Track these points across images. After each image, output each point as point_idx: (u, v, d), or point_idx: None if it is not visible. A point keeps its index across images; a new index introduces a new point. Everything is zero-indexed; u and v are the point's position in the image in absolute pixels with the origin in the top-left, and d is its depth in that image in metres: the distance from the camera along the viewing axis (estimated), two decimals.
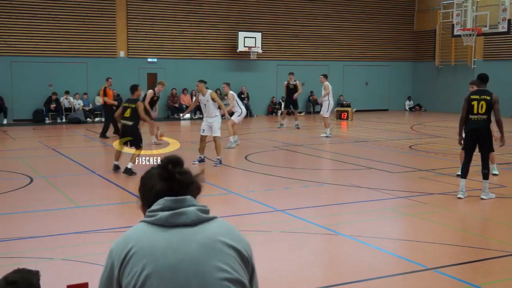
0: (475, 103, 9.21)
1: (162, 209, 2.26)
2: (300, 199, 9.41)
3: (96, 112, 24.58)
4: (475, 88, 9.85)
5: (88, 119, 24.16)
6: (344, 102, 29.05)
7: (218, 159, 12.64)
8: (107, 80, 18.93)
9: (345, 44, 29.88)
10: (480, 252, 6.59)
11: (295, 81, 21.09)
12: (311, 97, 29.08)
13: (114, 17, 24.98)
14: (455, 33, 25.36)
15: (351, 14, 29.84)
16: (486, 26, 24.17)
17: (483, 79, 9.48)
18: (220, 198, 9.68)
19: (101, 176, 11.48)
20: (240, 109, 15.99)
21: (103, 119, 24.19)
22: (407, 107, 31.32)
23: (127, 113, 11.57)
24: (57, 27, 23.88)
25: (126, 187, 10.36)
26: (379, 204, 9.14)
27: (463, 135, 9.46)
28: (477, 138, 9.21)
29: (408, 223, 8.30)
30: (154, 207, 2.28)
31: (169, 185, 2.32)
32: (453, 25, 25.55)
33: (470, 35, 24.55)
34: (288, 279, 5.83)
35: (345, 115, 25.69)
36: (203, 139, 12.80)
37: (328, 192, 10.22)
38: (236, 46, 26.73)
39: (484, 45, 27.58)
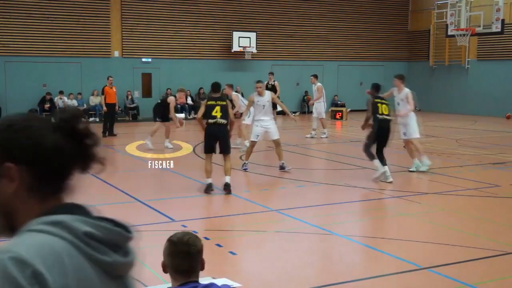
0: (379, 105, 10.70)
1: None
2: (294, 199, 9.41)
3: (90, 112, 24.52)
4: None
5: (82, 119, 24.04)
6: (339, 102, 29.09)
7: (283, 163, 11.74)
8: (107, 79, 18.70)
9: (340, 44, 29.92)
10: (475, 251, 6.61)
11: (274, 81, 20.71)
12: (305, 97, 29.09)
13: (109, 17, 24.93)
14: (449, 33, 25.42)
15: (345, 14, 29.88)
16: (480, 26, 24.24)
17: (377, 88, 11.07)
18: (215, 198, 9.68)
19: (95, 176, 11.39)
20: (248, 110, 14.55)
21: (97, 119, 24.25)
22: None
23: (217, 111, 9.82)
24: (51, 27, 23.81)
25: (120, 187, 10.34)
26: (373, 204, 9.16)
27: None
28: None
29: (403, 222, 8.31)
30: None
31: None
32: (447, 25, 25.62)
33: (464, 35, 24.62)
34: (283, 278, 5.83)
35: (340, 115, 25.72)
36: (254, 144, 11.94)
37: (323, 192, 10.23)
38: (230, 46, 26.72)
39: (478, 45, 27.66)
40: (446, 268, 6.01)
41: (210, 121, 9.68)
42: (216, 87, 10.27)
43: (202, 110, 9.93)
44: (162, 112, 15.33)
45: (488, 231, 7.64)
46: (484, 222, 8.22)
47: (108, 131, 18.15)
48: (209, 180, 9.70)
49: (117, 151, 15.51)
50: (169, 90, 25.84)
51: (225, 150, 9.80)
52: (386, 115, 10.78)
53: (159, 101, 16.20)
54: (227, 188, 9.58)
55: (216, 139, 9.75)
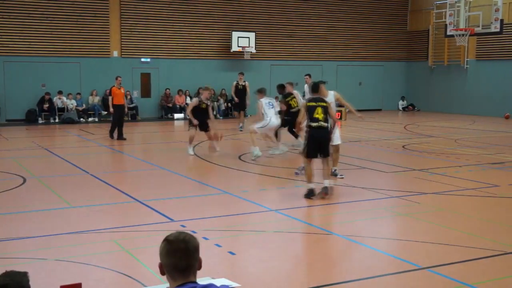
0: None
1: None
2: (293, 199, 9.41)
3: (89, 112, 24.52)
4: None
5: (81, 119, 24.08)
6: (337, 102, 29.04)
7: (335, 170, 11.19)
8: (116, 78, 17.83)
9: (339, 44, 29.92)
10: (474, 251, 6.61)
11: (244, 81, 20.54)
12: (305, 97, 29.08)
13: (108, 17, 24.92)
14: (448, 33, 25.42)
15: (344, 14, 29.89)
16: (478, 26, 24.23)
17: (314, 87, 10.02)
18: (214, 198, 9.68)
19: (94, 176, 11.45)
20: (267, 118, 13.79)
21: (96, 119, 24.23)
22: (400, 107, 31.39)
23: (319, 113, 9.28)
24: (51, 27, 23.80)
25: (119, 187, 10.34)
26: (372, 204, 9.16)
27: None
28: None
29: (402, 222, 8.31)
30: None
31: None
32: (446, 25, 25.61)
33: (463, 35, 24.61)
34: (282, 278, 5.83)
35: (339, 115, 25.68)
36: (338, 149, 11.29)
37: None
38: (230, 46, 26.72)
39: (477, 45, 27.68)
40: (445, 268, 6.01)
41: (313, 124, 9.20)
42: (316, 87, 9.77)
43: (302, 112, 9.46)
44: (201, 118, 14.21)
45: (487, 231, 7.64)
46: (483, 222, 8.22)
47: (118, 134, 17.46)
48: (312, 185, 9.27)
49: (117, 151, 15.50)
50: (168, 90, 25.88)
51: (326, 154, 9.38)
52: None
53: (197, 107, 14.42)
54: (325, 191, 9.18)
55: (320, 143, 9.28)
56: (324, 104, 9.36)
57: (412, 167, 12.56)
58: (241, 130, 19.88)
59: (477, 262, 6.27)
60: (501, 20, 23.48)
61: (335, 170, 11.13)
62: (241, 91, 20.67)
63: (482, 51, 27.66)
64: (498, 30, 23.63)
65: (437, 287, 5.59)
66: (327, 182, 9.27)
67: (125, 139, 17.40)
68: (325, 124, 9.23)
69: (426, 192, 9.95)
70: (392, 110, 31.24)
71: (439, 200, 9.56)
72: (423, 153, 14.69)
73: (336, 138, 10.94)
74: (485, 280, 5.72)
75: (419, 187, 10.38)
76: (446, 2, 25.58)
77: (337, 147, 11.10)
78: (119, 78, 17.78)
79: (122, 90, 17.78)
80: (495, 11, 23.49)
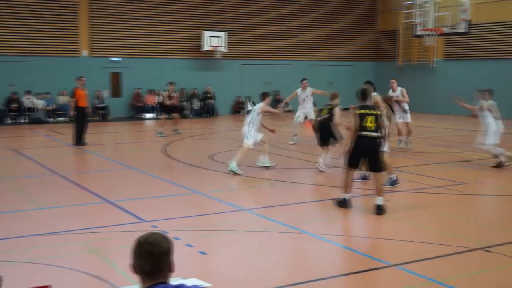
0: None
1: None
2: (265, 198, 9.44)
3: (58, 112, 24.18)
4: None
5: (50, 119, 23.75)
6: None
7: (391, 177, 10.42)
8: (79, 79, 16.52)
9: (310, 44, 30.08)
10: (443, 248, 6.71)
11: (173, 92, 19.19)
12: (275, 97, 29.16)
13: (77, 16, 24.59)
14: (417, 33, 25.75)
15: (315, 15, 30.05)
16: (446, 27, 24.61)
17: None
18: (185, 198, 9.64)
19: (63, 176, 11.30)
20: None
21: (66, 119, 23.89)
22: None
23: (370, 122, 8.52)
24: (18, 25, 23.38)
25: (88, 188, 10.22)
26: None
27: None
28: None
29: (373, 220, 8.39)
30: None
31: None
32: (414, 25, 25.94)
33: (431, 35, 24.96)
34: (254, 278, 5.84)
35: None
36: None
37: (294, 191, 10.27)
38: (201, 45, 26.65)
39: (445, 45, 28.11)
40: (415, 265, 6.09)
41: (362, 133, 8.51)
42: (364, 94, 8.86)
43: (354, 120, 8.57)
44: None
45: (455, 228, 7.77)
46: (451, 219, 8.35)
47: (77, 140, 16.05)
48: (347, 196, 8.72)
49: (86, 152, 15.33)
50: (139, 89, 25.69)
51: (376, 168, 8.60)
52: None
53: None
54: (379, 210, 8.41)
55: (366, 153, 8.56)
56: (379, 112, 8.69)
57: None
58: (179, 133, 18.84)
59: (446, 259, 6.36)
60: (469, 21, 23.89)
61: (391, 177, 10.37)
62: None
63: (450, 51, 28.09)
64: (465, 30, 24.02)
65: (407, 284, 5.67)
66: (379, 200, 8.46)
67: (85, 143, 16.03)
68: (373, 134, 8.51)
69: (396, 190, 10.07)
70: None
71: (408, 198, 9.69)
72: (391, 152, 14.83)
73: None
74: (454, 276, 5.81)
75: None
76: (415, 3, 25.90)
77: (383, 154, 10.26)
78: (83, 79, 16.49)
79: (86, 92, 16.45)
80: (463, 11, 23.88)
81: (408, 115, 15.31)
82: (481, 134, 12.66)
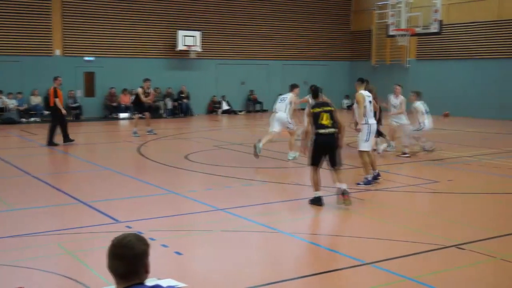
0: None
1: None
2: (240, 198, 9.45)
3: (31, 112, 23.86)
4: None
5: (22, 119, 23.43)
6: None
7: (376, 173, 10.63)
8: (55, 79, 16.42)
9: (284, 44, 30.18)
10: (416, 245, 6.81)
11: (149, 88, 19.00)
12: (251, 96, 29.24)
13: (50, 14, 24.30)
14: (390, 33, 26.02)
15: (290, 14, 30.16)
16: (419, 27, 24.92)
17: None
18: (160, 198, 9.61)
19: (36, 177, 11.17)
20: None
21: (38, 119, 23.58)
22: (344, 106, 31.88)
23: (326, 119, 8.82)
24: None
25: (62, 189, 10.12)
26: None
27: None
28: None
29: (346, 219, 8.47)
30: None
31: None
32: (388, 25, 26.22)
33: (404, 35, 25.25)
34: (229, 277, 5.86)
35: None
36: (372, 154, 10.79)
37: (269, 190, 10.31)
38: (175, 45, 26.54)
39: (418, 45, 28.45)
40: (389, 263, 6.17)
41: (320, 131, 8.77)
42: (316, 92, 9.38)
43: (309, 119, 8.97)
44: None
45: (428, 226, 7.88)
46: (424, 217, 8.47)
47: (64, 137, 16.13)
48: (318, 193, 8.83)
49: (60, 152, 15.16)
50: (113, 89, 25.49)
51: (335, 164, 8.80)
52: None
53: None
54: (345, 192, 8.64)
55: (326, 150, 8.80)
56: (331, 108, 8.96)
57: (355, 165, 12.79)
58: (155, 133, 18.71)
59: (418, 256, 6.46)
60: (440, 21, 24.22)
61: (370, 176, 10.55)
62: (148, 97, 18.92)
63: (422, 51, 28.44)
64: (437, 30, 24.34)
65: (379, 281, 5.74)
66: (344, 186, 8.70)
67: (73, 140, 16.31)
68: (332, 130, 8.76)
69: (369, 189, 10.17)
70: (337, 108, 31.64)
71: (382, 196, 9.80)
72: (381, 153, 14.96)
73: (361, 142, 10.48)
74: (426, 273, 5.90)
75: (357, 185, 10.57)
76: (388, 3, 26.18)
77: (361, 153, 10.51)
78: (59, 79, 16.55)
79: (61, 91, 16.52)
80: (434, 12, 24.19)
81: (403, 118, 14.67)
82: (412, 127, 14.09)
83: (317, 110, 8.91)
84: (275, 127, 13.40)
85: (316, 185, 8.85)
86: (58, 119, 16.10)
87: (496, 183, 11.14)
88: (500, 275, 5.97)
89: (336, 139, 8.80)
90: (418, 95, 14.11)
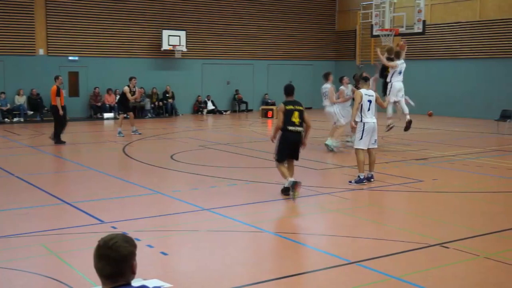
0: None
1: None
2: (226, 198, 9.45)
3: (14, 112, 23.65)
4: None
5: (6, 119, 23.21)
6: (269, 101, 29.40)
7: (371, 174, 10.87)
8: (56, 78, 16.53)
9: (270, 44, 30.22)
10: (400, 244, 6.85)
11: (135, 87, 18.86)
12: (236, 96, 29.22)
13: (33, 13, 24.10)
14: (374, 33, 26.09)
15: (275, 14, 30.20)
16: (403, 27, 25.04)
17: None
18: (145, 198, 9.57)
19: (19, 178, 11.07)
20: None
21: (21, 119, 23.38)
22: None
23: (296, 117, 9.31)
24: None
25: (46, 189, 10.04)
26: (303, 200, 9.31)
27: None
28: None
29: (331, 218, 8.50)
30: None
31: None
32: (372, 25, 26.32)
33: (388, 35, 25.32)
34: (215, 277, 5.85)
35: (271, 114, 26.10)
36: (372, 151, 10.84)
37: (254, 190, 10.31)
38: (160, 45, 26.46)
39: None
40: (373, 262, 6.20)
41: (289, 128, 9.25)
42: (289, 90, 9.69)
43: (281, 116, 9.35)
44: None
45: (412, 225, 7.93)
46: (409, 216, 8.53)
47: (58, 137, 16.37)
48: (290, 179, 9.23)
49: (44, 152, 15.05)
50: (97, 89, 25.35)
51: (296, 156, 9.60)
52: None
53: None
54: (298, 182, 9.15)
55: (292, 146, 9.38)
56: (301, 108, 9.41)
57: (341, 164, 12.85)
58: (139, 133, 18.63)
59: (404, 255, 6.50)
60: (424, 21, 24.37)
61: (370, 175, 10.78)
62: (133, 95, 18.72)
63: (406, 51, 28.55)
64: (420, 30, 24.49)
65: (365, 280, 5.76)
66: (293, 179, 9.25)
67: (64, 142, 16.31)
68: (299, 129, 9.33)
69: (354, 188, 10.22)
70: (322, 108, 31.74)
71: (368, 196, 9.85)
72: (351, 150, 15.03)
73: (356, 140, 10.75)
74: (411, 272, 5.94)
75: (347, 183, 10.63)
76: (372, 3, 26.29)
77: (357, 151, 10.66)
78: (60, 78, 16.67)
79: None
80: (418, 12, 24.33)
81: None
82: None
83: (291, 107, 9.34)
84: (340, 121, 14.87)
85: (284, 175, 9.35)
86: (63, 118, 16.42)
87: (480, 182, 11.25)
88: (484, 272, 6.03)
89: (301, 137, 9.41)
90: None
